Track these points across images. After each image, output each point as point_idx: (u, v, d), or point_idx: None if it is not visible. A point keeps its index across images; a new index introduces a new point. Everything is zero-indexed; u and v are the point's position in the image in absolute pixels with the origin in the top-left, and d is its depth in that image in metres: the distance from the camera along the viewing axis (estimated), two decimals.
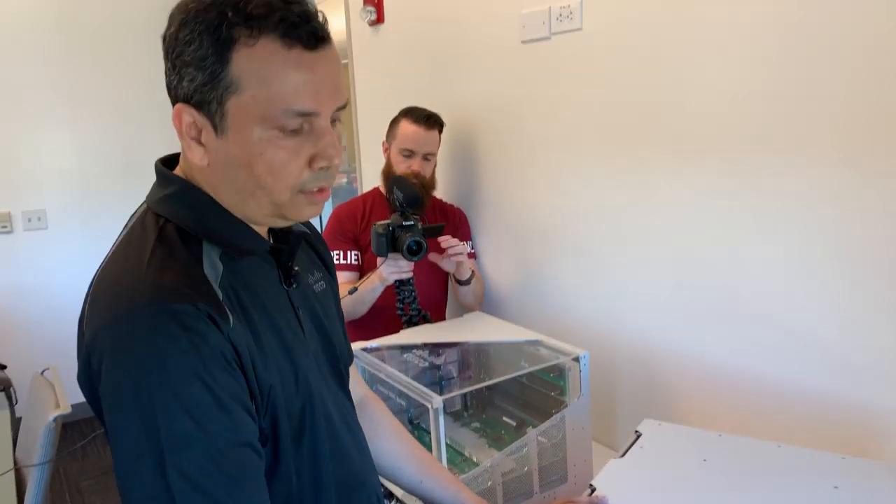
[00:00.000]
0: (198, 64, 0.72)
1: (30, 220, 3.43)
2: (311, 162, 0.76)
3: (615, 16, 1.54)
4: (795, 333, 1.29)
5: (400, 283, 1.79)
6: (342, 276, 1.94)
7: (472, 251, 2.12)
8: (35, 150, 3.37)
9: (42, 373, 2.01)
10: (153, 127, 3.67)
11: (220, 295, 0.75)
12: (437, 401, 1.25)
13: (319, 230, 1.20)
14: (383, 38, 2.41)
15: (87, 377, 0.73)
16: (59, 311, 3.53)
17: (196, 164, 0.78)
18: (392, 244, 1.69)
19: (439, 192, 2.14)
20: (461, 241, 1.98)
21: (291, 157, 0.75)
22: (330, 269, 1.05)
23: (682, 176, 1.46)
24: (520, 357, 1.55)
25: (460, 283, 1.94)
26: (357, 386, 1.12)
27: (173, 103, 0.77)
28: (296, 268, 0.89)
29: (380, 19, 2.37)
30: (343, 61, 2.68)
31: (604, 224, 1.67)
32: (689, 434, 1.21)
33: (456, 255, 1.83)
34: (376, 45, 2.45)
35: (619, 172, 1.60)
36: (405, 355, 1.61)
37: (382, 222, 1.71)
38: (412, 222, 1.69)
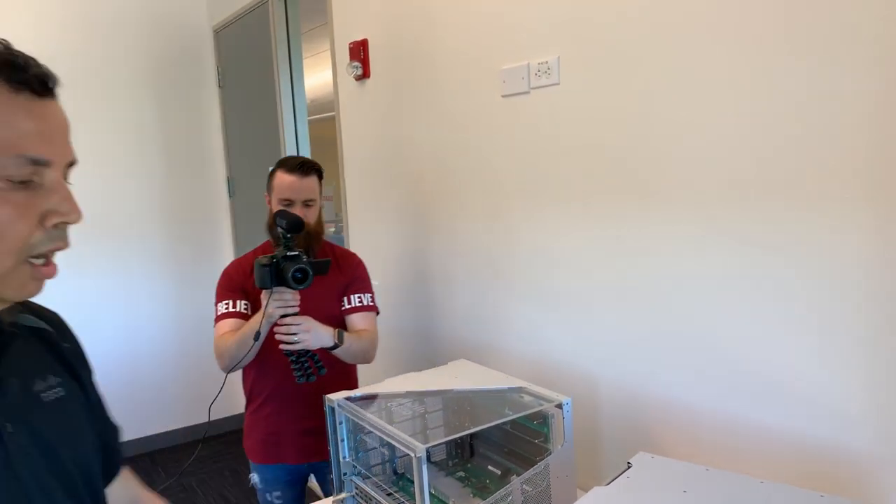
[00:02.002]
0: None
1: None
2: (43, 219, 0.69)
3: (591, 71, 1.60)
4: (775, 377, 1.31)
5: (296, 355, 1.76)
6: (227, 324, 1.91)
7: (371, 304, 2.05)
8: None
9: None
10: (139, 176, 3.72)
11: None
12: (419, 449, 1.26)
13: None
14: (369, 92, 2.47)
15: None
16: None
17: None
18: (276, 276, 1.67)
19: (414, 239, 2.17)
20: (358, 291, 2.02)
21: (20, 213, 0.67)
22: (77, 374, 0.88)
23: (657, 222, 1.49)
24: (504, 404, 1.56)
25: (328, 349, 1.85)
26: (125, 491, 1.00)
27: None
28: None
29: (366, 74, 2.44)
30: (330, 114, 2.74)
31: (581, 270, 1.70)
32: (677, 467, 1.22)
33: (287, 342, 1.75)
34: (362, 99, 2.52)
35: (596, 219, 1.64)
36: (388, 404, 1.61)
37: (266, 256, 1.70)
38: (297, 252, 1.68)
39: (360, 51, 2.42)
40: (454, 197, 2.12)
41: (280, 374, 1.91)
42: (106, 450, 0.92)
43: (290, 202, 1.93)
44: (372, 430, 1.46)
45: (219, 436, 3.96)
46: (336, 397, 1.54)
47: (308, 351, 1.77)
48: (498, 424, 1.51)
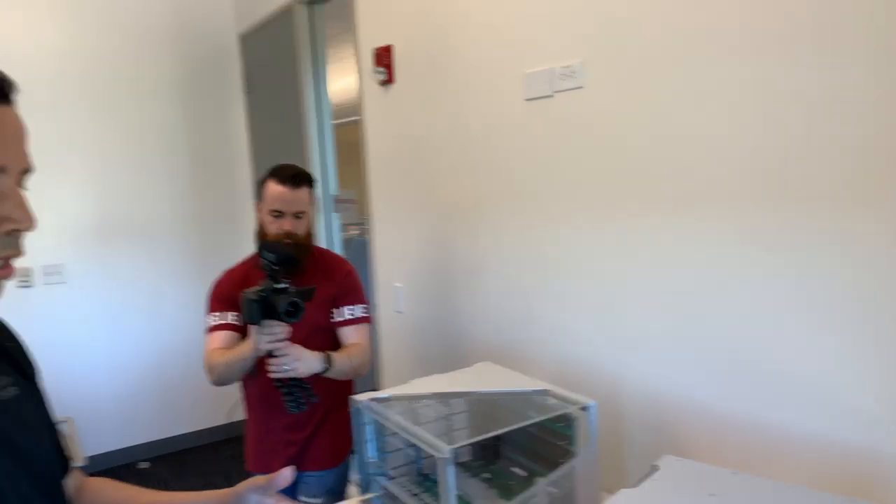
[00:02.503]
0: None
1: (49, 274, 3.51)
2: None
3: (616, 74, 1.60)
4: (801, 379, 1.30)
5: (287, 386, 1.73)
6: (219, 338, 1.91)
7: (363, 315, 2.02)
8: (56, 205, 3.47)
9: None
10: (166, 182, 3.79)
11: None
12: (445, 450, 1.27)
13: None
14: (393, 97, 2.49)
15: None
16: (76, 365, 3.58)
17: None
18: (265, 310, 1.63)
19: (438, 241, 2.18)
20: (350, 303, 1.99)
21: None
22: (26, 372, 0.90)
23: (683, 225, 1.49)
24: (528, 407, 1.56)
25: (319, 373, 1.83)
26: (74, 482, 1.03)
27: None
28: None
29: (390, 79, 2.46)
30: (354, 118, 2.76)
31: (606, 273, 1.70)
32: (704, 470, 1.22)
33: (280, 373, 1.72)
34: (387, 104, 2.54)
35: (620, 222, 1.64)
36: (414, 406, 1.63)
37: (253, 289, 1.64)
38: (285, 285, 1.63)
39: (384, 57, 2.44)
40: (478, 200, 2.13)
41: (265, 384, 1.87)
42: (58, 445, 0.94)
43: (280, 213, 1.91)
44: (397, 431, 1.47)
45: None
46: (362, 398, 1.56)
47: (298, 379, 1.74)
48: (523, 427, 1.52)
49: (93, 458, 3.26)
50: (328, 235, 3.33)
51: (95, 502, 1.02)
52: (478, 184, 2.12)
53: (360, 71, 2.68)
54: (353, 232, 6.40)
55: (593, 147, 1.69)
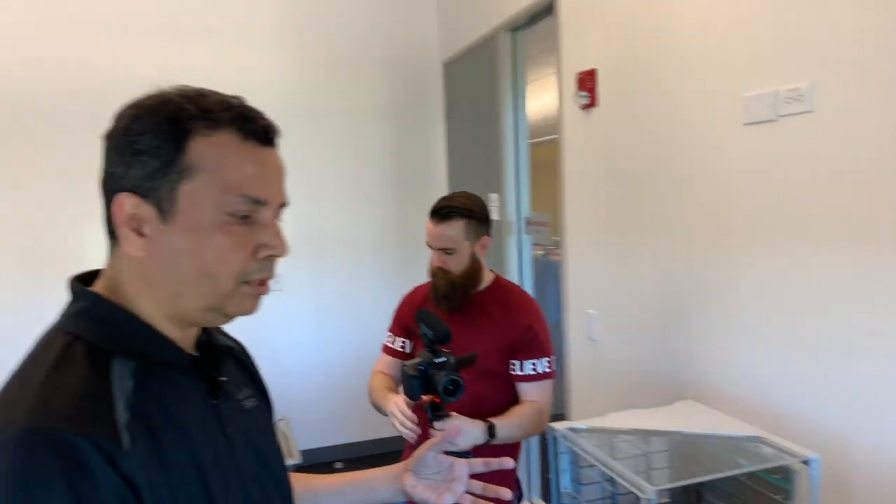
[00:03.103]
0: (152, 151, 0.73)
1: (272, 282, 3.87)
2: (256, 251, 0.77)
3: (852, 98, 1.46)
4: None
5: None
6: (385, 361, 1.94)
7: (548, 371, 1.84)
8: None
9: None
10: (371, 202, 4.04)
11: (125, 416, 0.69)
12: (649, 491, 1.22)
13: None
14: (595, 121, 2.47)
15: None
16: (285, 367, 3.92)
17: (132, 255, 0.76)
18: (425, 385, 1.53)
19: (634, 269, 2.10)
20: (533, 356, 1.81)
21: (239, 243, 0.76)
22: (261, 387, 0.99)
23: None
24: (737, 454, 1.46)
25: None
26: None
27: (109, 197, 0.76)
28: (222, 378, 0.85)
29: (593, 103, 2.44)
30: (547, 138, 2.76)
31: (833, 313, 1.54)
32: None
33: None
34: (588, 128, 2.52)
35: (852, 258, 1.48)
36: (612, 439, 1.58)
37: (412, 362, 1.55)
38: (444, 358, 1.52)
39: (588, 80, 2.43)
40: (681, 228, 2.03)
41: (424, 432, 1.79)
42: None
43: (432, 247, 1.87)
44: (595, 463, 1.44)
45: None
46: (559, 427, 1.55)
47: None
48: (733, 475, 1.42)
49: (305, 454, 3.54)
50: (519, 258, 3.36)
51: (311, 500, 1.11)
52: (685, 211, 2.02)
53: (560, 94, 2.68)
54: (539, 252, 6.41)
55: (824, 176, 1.55)
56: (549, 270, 6.35)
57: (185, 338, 0.82)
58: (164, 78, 0.84)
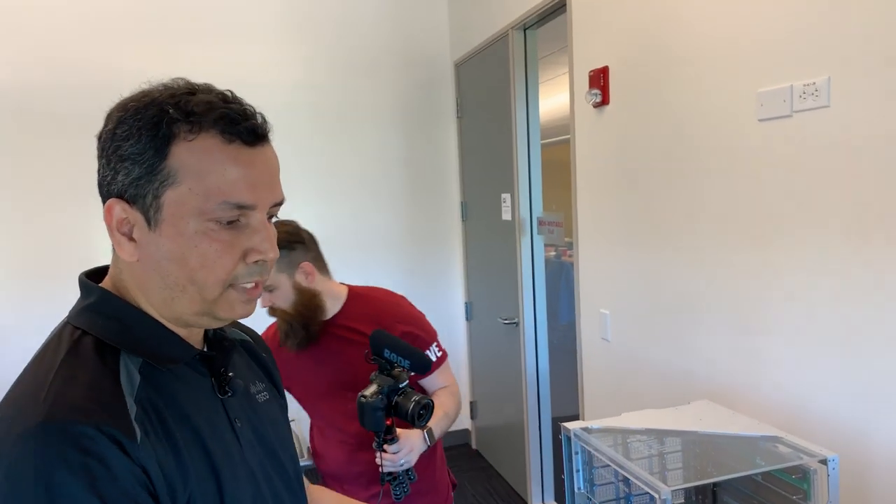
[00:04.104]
0: (135, 158, 0.73)
1: None
2: (245, 255, 0.76)
3: (870, 92, 1.43)
4: None
5: (396, 478, 1.55)
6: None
7: (441, 355, 1.81)
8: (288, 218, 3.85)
9: None
10: (382, 201, 4.04)
11: (135, 410, 0.70)
12: (664, 491, 1.20)
13: None
14: (607, 119, 2.45)
15: None
16: None
17: (126, 260, 0.76)
18: (388, 413, 1.43)
19: (648, 268, 2.08)
20: (422, 348, 1.74)
21: (225, 249, 0.74)
22: (274, 380, 1.00)
23: None
24: (754, 453, 1.44)
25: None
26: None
27: (104, 200, 0.76)
28: (230, 373, 0.85)
29: (605, 101, 2.42)
30: (559, 138, 2.75)
31: (853, 313, 1.52)
32: None
33: (395, 469, 1.54)
34: (600, 126, 2.50)
35: (871, 257, 1.46)
36: (627, 439, 1.57)
37: (371, 390, 1.41)
38: (406, 382, 1.43)
39: (600, 78, 2.41)
40: (695, 227, 2.01)
41: (340, 454, 1.79)
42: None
43: None
44: (609, 463, 1.43)
45: (452, 447, 4.14)
46: (573, 426, 1.53)
47: (405, 472, 1.58)
48: (749, 474, 1.40)
49: None
50: (531, 258, 3.35)
51: None
52: (698, 209, 2.00)
53: (572, 92, 2.67)
54: (551, 253, 6.39)
55: (840, 172, 1.52)
56: (561, 271, 6.35)
57: (191, 333, 0.83)
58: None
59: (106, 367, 0.72)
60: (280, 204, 0.80)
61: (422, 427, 1.44)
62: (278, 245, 1.67)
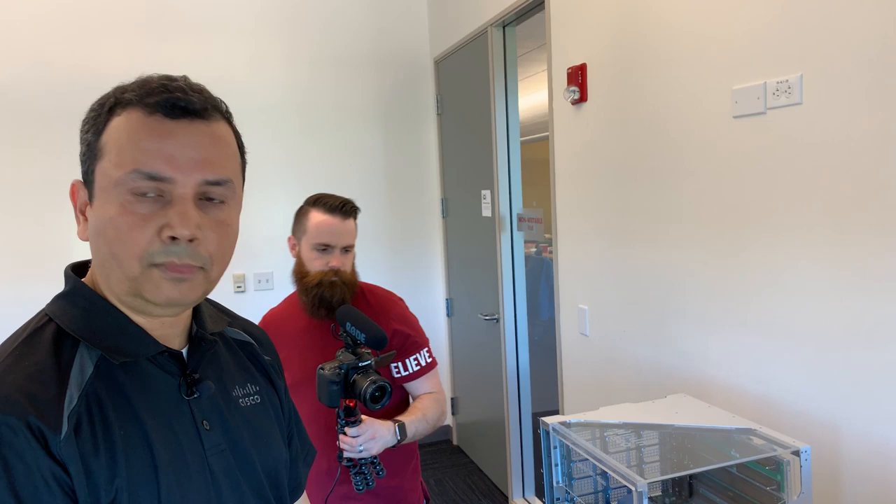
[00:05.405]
0: (85, 138, 0.77)
1: (259, 282, 3.87)
2: (160, 231, 0.73)
3: (840, 90, 1.46)
4: None
5: (357, 465, 1.52)
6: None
7: (430, 361, 1.79)
8: (268, 217, 3.83)
9: None
10: (363, 200, 4.03)
11: (74, 403, 0.70)
12: (641, 484, 1.22)
13: None
14: (585, 116, 2.47)
15: None
16: None
17: (81, 240, 0.79)
18: (346, 391, 1.40)
19: (627, 264, 2.10)
20: (412, 351, 1.75)
21: (137, 223, 0.72)
22: (274, 383, 0.97)
23: None
24: (729, 445, 1.46)
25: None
26: None
27: None
28: (196, 374, 0.82)
29: (583, 98, 2.44)
30: (537, 136, 2.77)
31: (822, 304, 1.55)
32: None
33: (353, 455, 1.51)
34: (578, 123, 2.52)
35: (841, 250, 1.49)
36: (604, 433, 1.58)
37: (329, 365, 1.40)
38: (368, 361, 1.41)
39: (578, 75, 2.43)
40: (673, 222, 2.04)
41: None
42: (294, 465, 0.99)
43: (326, 247, 1.71)
44: (587, 457, 1.44)
45: (433, 443, 4.15)
46: (551, 421, 1.55)
47: (371, 458, 1.55)
48: (724, 466, 1.42)
49: None
50: (511, 254, 3.36)
51: None
52: (674, 205, 2.03)
53: (551, 89, 2.68)
54: (531, 250, 6.42)
55: (813, 169, 1.55)
56: (541, 268, 6.38)
57: (164, 328, 0.81)
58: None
59: (58, 356, 0.72)
60: (217, 183, 0.76)
61: (375, 409, 1.39)
62: (347, 212, 1.68)
